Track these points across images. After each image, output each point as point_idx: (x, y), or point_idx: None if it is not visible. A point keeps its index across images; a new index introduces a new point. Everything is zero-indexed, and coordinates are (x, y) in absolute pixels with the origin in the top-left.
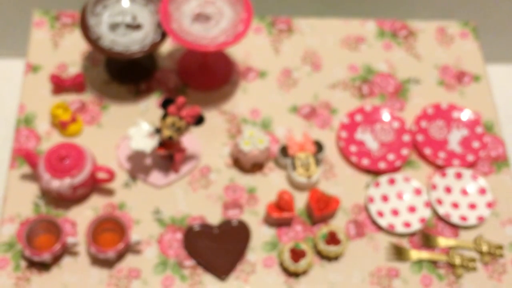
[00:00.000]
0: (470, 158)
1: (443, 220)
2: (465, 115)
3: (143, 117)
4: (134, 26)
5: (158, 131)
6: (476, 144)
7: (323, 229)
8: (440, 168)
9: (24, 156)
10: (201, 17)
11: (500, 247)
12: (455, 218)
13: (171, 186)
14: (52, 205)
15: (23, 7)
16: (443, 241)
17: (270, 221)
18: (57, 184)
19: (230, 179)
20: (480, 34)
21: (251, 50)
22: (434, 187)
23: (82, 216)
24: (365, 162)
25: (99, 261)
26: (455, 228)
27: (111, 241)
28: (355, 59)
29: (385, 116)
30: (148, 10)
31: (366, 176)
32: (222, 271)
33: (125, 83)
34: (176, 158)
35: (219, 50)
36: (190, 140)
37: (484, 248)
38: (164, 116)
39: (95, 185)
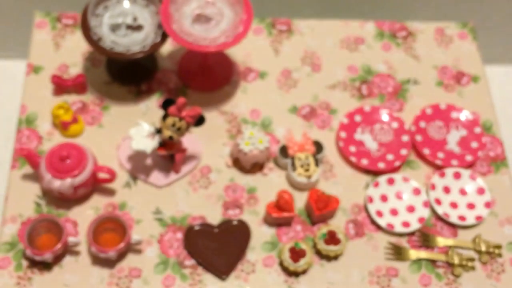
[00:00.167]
0: (469, 158)
1: (442, 219)
2: (464, 115)
3: (144, 118)
4: (135, 27)
5: (158, 131)
6: (474, 145)
7: (322, 229)
8: (439, 168)
9: (26, 156)
10: (201, 18)
11: (498, 246)
12: (453, 218)
13: (172, 186)
14: (53, 205)
15: (24, 9)
16: (442, 241)
17: (270, 221)
18: (58, 184)
19: (230, 179)
20: (478, 35)
21: (251, 51)
22: (433, 187)
23: (83, 216)
24: (365, 162)
25: (100, 261)
26: (453, 227)
27: (112, 240)
28: (354, 60)
29: (384, 116)
30: (148, 11)
31: (366, 176)
32: (222, 271)
33: (125, 83)
34: (176, 158)
35: (219, 51)
36: (191, 140)
37: (483, 247)
38: (165, 117)
39: (96, 185)
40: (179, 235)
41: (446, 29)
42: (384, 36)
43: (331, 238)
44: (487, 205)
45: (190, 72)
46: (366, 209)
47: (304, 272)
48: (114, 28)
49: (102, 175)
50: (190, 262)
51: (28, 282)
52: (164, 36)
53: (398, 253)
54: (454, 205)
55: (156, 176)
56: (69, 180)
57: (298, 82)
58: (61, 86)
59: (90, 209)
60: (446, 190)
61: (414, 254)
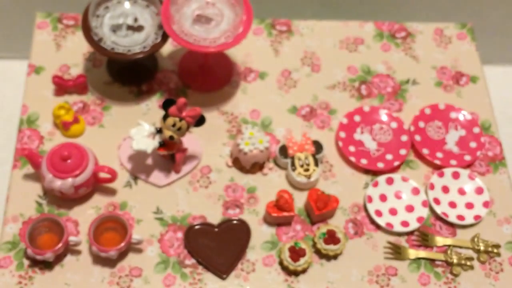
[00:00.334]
0: (468, 158)
1: (441, 219)
2: (463, 115)
3: (144, 118)
4: (136, 28)
5: (159, 131)
6: (473, 144)
7: (322, 228)
8: (438, 168)
9: (27, 156)
10: (201, 19)
11: (497, 246)
12: (452, 218)
13: (172, 185)
14: (55, 204)
15: (26, 10)
16: (441, 240)
17: (269, 221)
18: (59, 183)
19: (230, 178)
20: (477, 35)
21: (251, 51)
22: (431, 186)
23: (84, 216)
24: (364, 162)
25: (101, 260)
26: (452, 227)
27: (113, 240)
28: (353, 60)
29: (384, 116)
30: (149, 11)
31: (365, 176)
32: (222, 270)
33: (126, 84)
34: (177, 158)
35: (220, 51)
36: (191, 140)
37: (481, 247)
38: (165, 117)
39: (97, 184)
40: (180, 235)
41: (445, 29)
42: (383, 36)
43: (331, 238)
44: (486, 204)
45: (190, 73)
46: (365, 209)
47: (303, 271)
48: (115, 28)
49: (103, 175)
50: (190, 261)
51: (29, 281)
52: (165, 37)
53: (397, 252)
54: (453, 205)
55: (157, 176)
56: (70, 180)
57: (298, 82)
58: (62, 86)
59: (91, 208)
60: (445, 189)
61: (413, 253)
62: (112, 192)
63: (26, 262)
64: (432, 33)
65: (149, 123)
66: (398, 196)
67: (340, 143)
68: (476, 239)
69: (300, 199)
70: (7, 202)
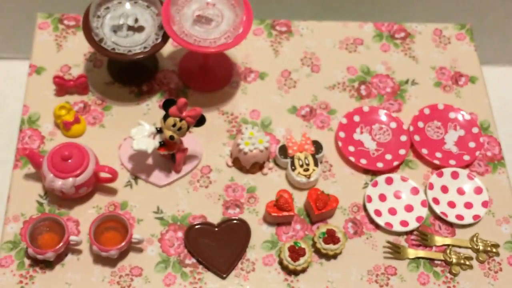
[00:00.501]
0: (466, 158)
1: (440, 219)
2: (461, 115)
3: (145, 118)
4: (136, 28)
5: (159, 131)
6: (472, 144)
7: (321, 228)
8: (437, 168)
9: (28, 156)
10: (201, 19)
11: (496, 245)
12: (451, 217)
13: (172, 185)
14: (55, 204)
15: (27, 10)
16: (440, 240)
17: (269, 220)
18: (60, 183)
19: (230, 178)
20: (476, 36)
21: (251, 51)
22: (431, 186)
23: (85, 215)
24: (363, 162)
25: (101, 259)
26: (451, 227)
27: (113, 239)
28: (353, 60)
29: (383, 116)
30: (149, 12)
31: (364, 175)
32: (222, 269)
33: (127, 84)
34: (177, 158)
35: (220, 52)
36: (191, 140)
37: (480, 246)
38: (165, 117)
39: (98, 184)
40: (180, 234)
41: (444, 30)
42: (382, 37)
43: (330, 237)
44: (485, 204)
45: (190, 73)
46: (365, 209)
47: (303, 270)
48: (116, 29)
49: (103, 175)
50: (190, 260)
51: (30, 281)
52: (165, 37)
53: (396, 252)
54: (452, 205)
55: (157, 176)
56: (71, 179)
57: (298, 82)
58: (63, 86)
59: (92, 208)
60: (444, 189)
61: (412, 253)
62: (112, 191)
63: (27, 262)
64: (431, 34)
65: (149, 123)
66: (397, 196)
67: (340, 143)
68: (475, 239)
69: (299, 199)
70: (8, 201)
